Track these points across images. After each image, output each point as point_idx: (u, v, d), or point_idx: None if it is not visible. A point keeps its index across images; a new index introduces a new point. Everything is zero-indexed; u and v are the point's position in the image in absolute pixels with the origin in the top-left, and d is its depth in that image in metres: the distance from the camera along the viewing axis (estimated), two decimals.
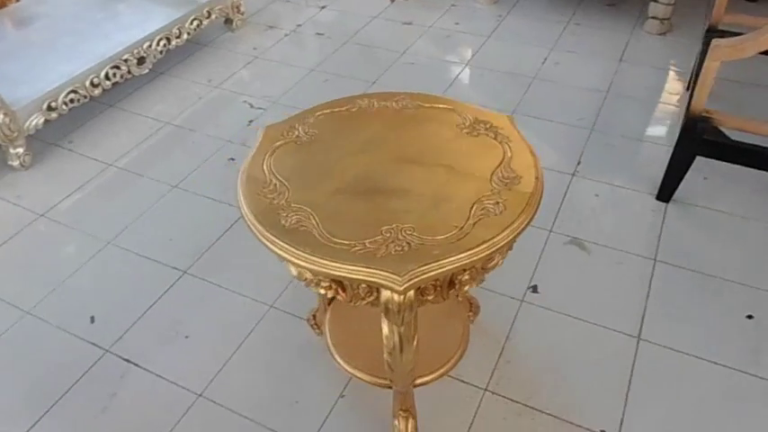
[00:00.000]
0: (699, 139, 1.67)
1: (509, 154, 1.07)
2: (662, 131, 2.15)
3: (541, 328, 1.51)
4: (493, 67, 2.51)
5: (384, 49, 2.66)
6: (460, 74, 2.48)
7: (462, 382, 1.39)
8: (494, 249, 0.90)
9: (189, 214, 1.86)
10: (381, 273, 0.86)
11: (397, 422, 1.22)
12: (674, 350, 1.45)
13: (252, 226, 0.96)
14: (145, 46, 2.29)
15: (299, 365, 1.44)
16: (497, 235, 0.91)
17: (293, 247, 0.90)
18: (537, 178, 1.02)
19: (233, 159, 2.06)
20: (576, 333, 1.49)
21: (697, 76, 1.93)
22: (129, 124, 2.25)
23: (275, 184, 1.02)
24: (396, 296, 0.87)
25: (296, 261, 0.90)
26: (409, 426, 1.21)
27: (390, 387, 1.24)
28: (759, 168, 1.69)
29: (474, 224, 0.93)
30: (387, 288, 0.86)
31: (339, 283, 0.94)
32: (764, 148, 1.67)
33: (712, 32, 2.09)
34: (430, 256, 0.88)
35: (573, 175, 1.96)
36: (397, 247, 0.90)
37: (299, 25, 2.86)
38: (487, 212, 0.95)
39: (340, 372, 1.35)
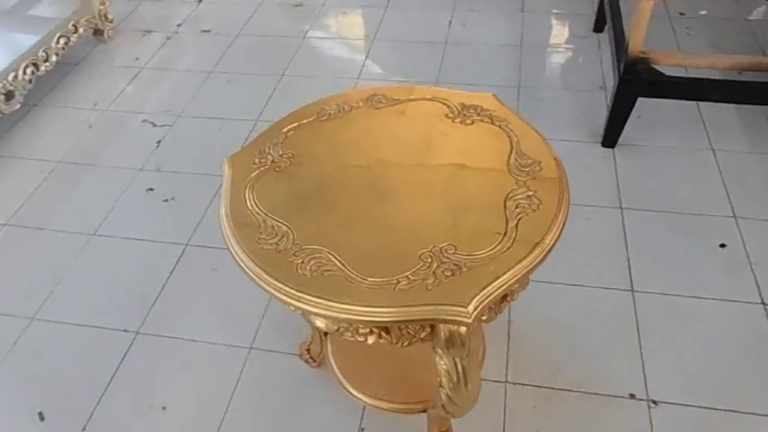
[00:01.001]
0: (639, 80, 1.67)
1: (515, 138, 0.97)
2: (585, 77, 2.15)
3: (538, 302, 1.45)
4: (401, 39, 2.40)
5: (281, 36, 2.46)
6: (371, 51, 2.35)
7: (481, 380, 1.31)
8: (547, 251, 0.81)
9: (120, 263, 1.61)
10: (443, 308, 0.74)
11: None
12: (667, 294, 1.45)
13: (262, 282, 0.80)
14: (10, 78, 1.94)
15: (304, 405, 1.29)
16: (546, 234, 0.82)
17: (327, 300, 0.76)
18: (555, 159, 0.93)
19: (152, 189, 1.81)
20: (572, 300, 1.45)
21: (606, 16, 1.93)
22: (9, 171, 1.92)
23: (272, 226, 0.86)
24: (461, 329, 0.75)
25: (333, 315, 0.76)
26: None
27: (423, 411, 1.14)
28: (696, 99, 1.73)
29: (516, 226, 0.83)
30: (453, 323, 0.74)
31: (383, 327, 0.81)
32: (698, 79, 1.70)
33: None
34: (487, 275, 0.77)
35: None
36: (446, 272, 0.78)
37: (179, 25, 2.58)
38: (524, 210, 0.85)
39: (351, 403, 1.22)
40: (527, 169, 0.91)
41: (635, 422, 1.23)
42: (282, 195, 0.90)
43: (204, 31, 2.53)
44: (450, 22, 2.48)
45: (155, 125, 2.05)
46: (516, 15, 2.49)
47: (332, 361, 1.22)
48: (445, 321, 0.74)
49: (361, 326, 0.80)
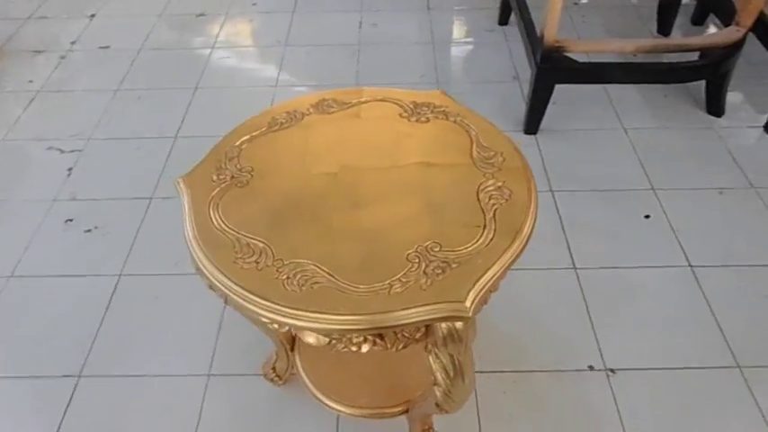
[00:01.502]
0: (556, 67, 1.76)
1: (473, 131, 0.99)
2: (498, 69, 2.23)
3: None
4: (313, 43, 2.37)
5: (188, 48, 2.37)
6: (285, 57, 2.30)
7: None
8: (527, 239, 0.83)
9: (47, 305, 1.48)
10: (441, 306, 0.74)
11: None
12: (605, 268, 1.53)
13: (250, 304, 0.76)
14: None
15: (275, 426, 1.25)
16: (524, 222, 0.84)
17: (323, 313, 0.73)
18: (516, 149, 0.96)
19: (71, 220, 1.68)
20: (521, 283, 1.50)
21: (513, 9, 2.02)
22: None
23: (247, 244, 0.82)
24: (460, 325, 0.75)
25: (331, 327, 0.74)
26: None
27: (404, 412, 1.13)
28: (607, 82, 1.84)
29: (494, 217, 0.84)
30: (453, 320, 0.74)
31: (378, 333, 0.79)
32: (607, 63, 1.81)
33: None
34: (477, 268, 0.78)
35: None
36: (436, 270, 0.77)
37: (73, 43, 2.41)
38: (497, 201, 0.87)
39: (324, 416, 1.20)
40: (491, 161, 0.93)
41: (598, 392, 1.29)
42: (251, 211, 0.87)
43: (102, 47, 2.37)
44: (360, 23, 2.48)
45: (62, 151, 1.90)
46: (424, 13, 2.54)
47: (303, 375, 1.19)
48: (445, 319, 0.74)
49: (355, 335, 0.79)
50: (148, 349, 1.38)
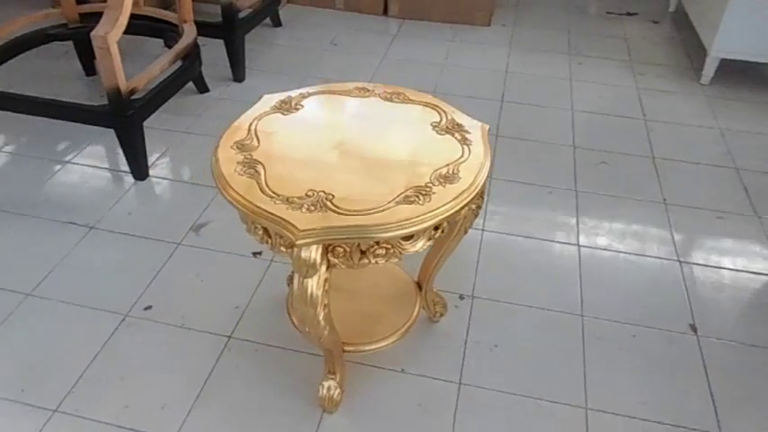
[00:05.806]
0: (140, 109, 1.92)
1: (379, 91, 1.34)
2: (103, 157, 2.07)
3: None
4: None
5: None
6: None
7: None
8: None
9: None
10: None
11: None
12: None
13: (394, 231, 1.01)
14: None
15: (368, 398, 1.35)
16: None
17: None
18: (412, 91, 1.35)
19: None
20: None
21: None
22: None
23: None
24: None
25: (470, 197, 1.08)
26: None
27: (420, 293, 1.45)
28: (169, 98, 2.09)
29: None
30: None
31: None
32: (161, 83, 2.04)
33: None
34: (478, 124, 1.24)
35: None
36: (459, 131, 1.21)
37: None
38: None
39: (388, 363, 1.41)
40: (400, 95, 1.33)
41: None
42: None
43: None
44: None
45: None
46: None
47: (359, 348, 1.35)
48: None
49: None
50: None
